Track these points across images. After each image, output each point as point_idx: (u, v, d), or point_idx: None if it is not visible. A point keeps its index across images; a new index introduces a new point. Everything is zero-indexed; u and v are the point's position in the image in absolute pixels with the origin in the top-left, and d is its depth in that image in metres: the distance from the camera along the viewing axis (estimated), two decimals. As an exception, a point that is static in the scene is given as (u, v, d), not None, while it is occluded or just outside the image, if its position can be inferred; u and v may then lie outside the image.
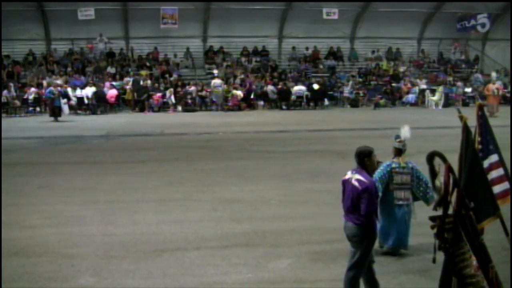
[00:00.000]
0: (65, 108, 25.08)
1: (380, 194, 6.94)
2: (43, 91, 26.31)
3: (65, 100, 24.79)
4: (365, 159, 5.75)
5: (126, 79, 28.35)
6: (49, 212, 9.34)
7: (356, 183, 5.63)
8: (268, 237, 8.06)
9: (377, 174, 7.18)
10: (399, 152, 7.36)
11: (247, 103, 27.93)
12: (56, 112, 23.00)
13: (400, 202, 7.34)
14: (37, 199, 10.26)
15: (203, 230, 8.40)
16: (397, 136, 7.38)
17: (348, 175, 5.79)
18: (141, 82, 27.35)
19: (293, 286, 6.45)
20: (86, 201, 10.07)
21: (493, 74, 28.04)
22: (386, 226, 7.34)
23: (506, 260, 5.23)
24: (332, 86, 30.67)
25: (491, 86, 25.02)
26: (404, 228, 7.33)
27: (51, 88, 23.21)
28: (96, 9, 28.80)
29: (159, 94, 27.33)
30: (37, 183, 11.46)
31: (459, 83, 31.09)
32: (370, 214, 5.62)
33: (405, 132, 7.31)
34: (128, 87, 27.46)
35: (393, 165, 7.33)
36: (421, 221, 6.54)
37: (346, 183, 5.78)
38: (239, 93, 27.64)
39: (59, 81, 25.43)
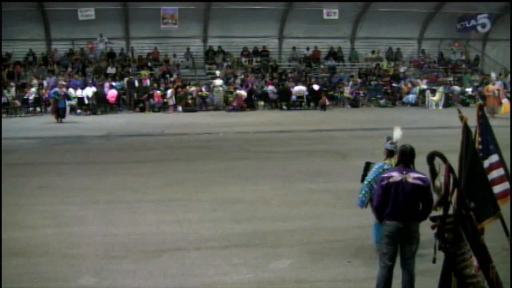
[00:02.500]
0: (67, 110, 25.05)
1: (367, 196, 7.19)
2: (34, 89, 26.27)
3: (69, 102, 24.74)
4: (413, 159, 5.85)
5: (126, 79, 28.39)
6: (49, 212, 9.34)
7: (418, 181, 5.64)
8: (268, 237, 8.06)
9: (370, 175, 7.31)
10: (391, 153, 7.46)
11: (248, 103, 27.91)
12: (60, 114, 22.65)
13: None
14: (37, 199, 10.26)
15: (203, 230, 8.40)
16: (389, 138, 7.49)
17: (399, 176, 5.73)
18: (136, 83, 27.32)
19: (294, 286, 6.45)
20: (86, 201, 10.07)
21: (493, 75, 27.96)
22: (379, 224, 7.44)
23: (507, 260, 5.22)
24: (333, 86, 30.66)
25: (491, 87, 24.81)
26: None
27: (56, 89, 23.00)
28: (97, 9, 28.77)
29: (158, 92, 27.28)
30: (37, 183, 11.46)
31: (455, 87, 31.03)
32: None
33: (397, 134, 7.42)
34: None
35: (385, 166, 7.37)
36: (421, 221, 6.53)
37: (399, 184, 5.70)
38: (243, 93, 27.58)
39: (63, 82, 25.34)
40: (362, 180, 7.59)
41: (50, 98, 23.95)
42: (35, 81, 27.37)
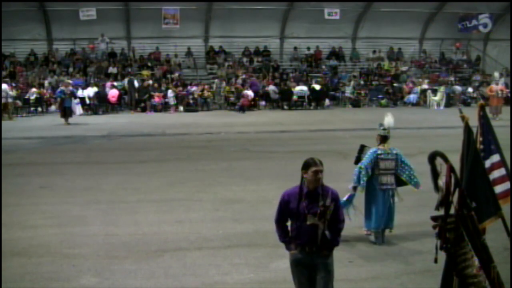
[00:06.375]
0: (77, 109, 24.97)
1: (365, 179, 7.57)
2: (35, 89, 26.27)
3: (77, 100, 24.69)
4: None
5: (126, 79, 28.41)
6: (51, 212, 9.34)
7: None
8: (269, 237, 8.03)
9: (365, 160, 7.67)
10: (384, 139, 7.80)
11: (252, 103, 27.88)
12: (67, 113, 22.32)
13: (385, 187, 7.75)
14: (38, 199, 10.27)
15: (205, 230, 8.40)
16: (381, 124, 7.86)
17: None
18: (135, 83, 27.33)
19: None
20: (88, 201, 10.07)
21: (496, 74, 27.76)
22: (368, 209, 7.81)
23: (508, 260, 5.22)
24: (335, 87, 30.65)
25: (494, 87, 24.42)
26: (388, 211, 7.75)
27: (62, 88, 22.84)
28: (98, 9, 28.82)
29: (158, 94, 27.27)
30: (38, 183, 11.47)
31: (456, 86, 31.01)
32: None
33: (388, 120, 7.81)
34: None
35: (379, 152, 7.74)
36: (422, 221, 6.54)
37: None
38: (250, 93, 27.54)
39: (70, 81, 25.28)
40: (356, 162, 7.83)
41: (56, 97, 23.87)
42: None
